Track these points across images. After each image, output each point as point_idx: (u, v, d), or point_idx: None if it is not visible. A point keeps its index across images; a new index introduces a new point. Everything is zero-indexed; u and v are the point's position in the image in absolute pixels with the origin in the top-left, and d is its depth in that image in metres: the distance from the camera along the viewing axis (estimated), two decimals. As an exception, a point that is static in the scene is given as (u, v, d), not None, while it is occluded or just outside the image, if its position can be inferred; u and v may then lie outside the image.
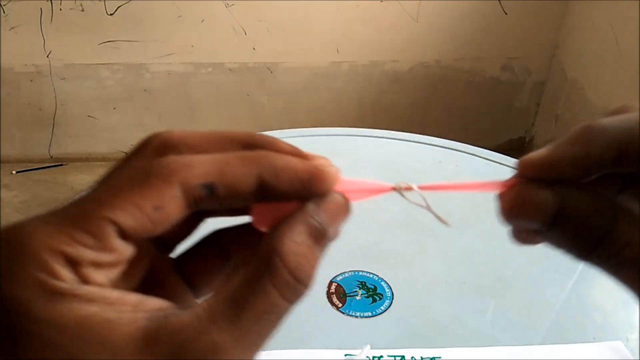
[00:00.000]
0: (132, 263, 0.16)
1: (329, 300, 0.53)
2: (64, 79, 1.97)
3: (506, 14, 1.91)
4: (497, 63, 2.03)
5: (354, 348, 0.48)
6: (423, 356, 0.48)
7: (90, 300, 0.14)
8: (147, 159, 0.17)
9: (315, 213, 0.18)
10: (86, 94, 2.01)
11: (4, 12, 1.82)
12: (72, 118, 2.05)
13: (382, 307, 0.53)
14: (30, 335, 0.13)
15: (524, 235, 0.20)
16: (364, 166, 0.77)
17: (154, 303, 0.15)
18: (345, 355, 0.48)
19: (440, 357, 0.48)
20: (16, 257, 0.13)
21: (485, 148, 0.83)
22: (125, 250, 0.15)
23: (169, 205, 0.15)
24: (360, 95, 2.07)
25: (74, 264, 0.14)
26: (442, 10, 1.89)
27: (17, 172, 2.02)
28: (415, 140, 0.85)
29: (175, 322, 0.14)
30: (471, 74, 2.04)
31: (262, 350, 0.16)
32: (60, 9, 1.83)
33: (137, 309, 0.14)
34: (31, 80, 1.96)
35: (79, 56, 1.93)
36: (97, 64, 1.95)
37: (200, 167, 0.16)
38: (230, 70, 1.99)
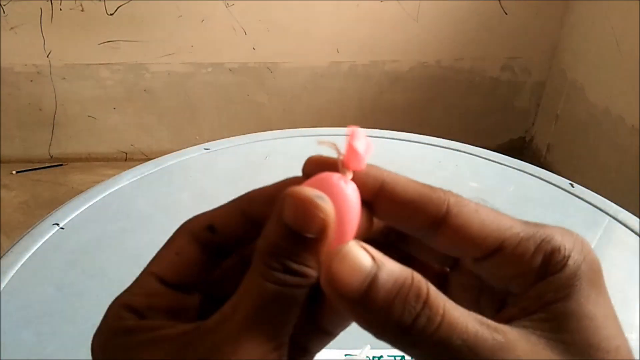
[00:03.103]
0: (183, 305, 0.21)
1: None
2: (64, 79, 1.97)
3: (506, 14, 1.91)
4: (497, 63, 2.03)
5: (354, 348, 0.48)
6: (423, 356, 0.48)
7: (150, 328, 0.19)
8: None
9: (283, 214, 0.18)
10: (86, 94, 2.01)
11: (4, 12, 1.82)
12: (72, 118, 2.06)
13: (382, 307, 0.53)
14: (115, 350, 0.19)
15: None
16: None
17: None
18: (345, 355, 0.48)
19: (440, 357, 0.48)
20: (104, 318, 0.20)
21: (485, 148, 0.83)
22: (179, 296, 0.21)
23: (185, 249, 0.21)
24: (360, 95, 2.07)
25: (133, 310, 0.20)
26: (442, 10, 1.89)
27: (17, 172, 2.02)
28: (415, 140, 0.85)
29: (202, 326, 0.19)
30: (471, 74, 2.04)
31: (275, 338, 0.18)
32: (60, 9, 1.83)
33: (186, 326, 0.19)
34: (31, 80, 1.96)
35: (79, 56, 1.93)
36: (97, 64, 1.95)
37: (203, 216, 0.21)
38: (230, 70, 1.99)
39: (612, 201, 0.70)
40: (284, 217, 0.18)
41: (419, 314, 0.17)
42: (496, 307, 0.21)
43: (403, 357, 0.48)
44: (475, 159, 0.81)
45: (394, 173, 0.21)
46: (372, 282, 0.17)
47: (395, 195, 0.20)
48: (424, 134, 0.86)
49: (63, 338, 0.50)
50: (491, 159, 0.81)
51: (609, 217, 0.68)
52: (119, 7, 1.84)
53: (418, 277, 0.17)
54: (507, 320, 0.18)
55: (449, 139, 0.86)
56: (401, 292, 0.17)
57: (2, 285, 0.55)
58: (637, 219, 0.67)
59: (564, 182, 0.75)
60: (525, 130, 2.18)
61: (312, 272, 0.18)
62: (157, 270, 0.20)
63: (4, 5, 1.80)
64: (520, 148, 2.19)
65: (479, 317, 0.17)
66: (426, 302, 0.17)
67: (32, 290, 0.55)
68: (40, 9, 1.82)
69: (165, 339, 0.18)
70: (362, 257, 0.17)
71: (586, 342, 0.17)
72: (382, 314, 0.17)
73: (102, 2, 1.82)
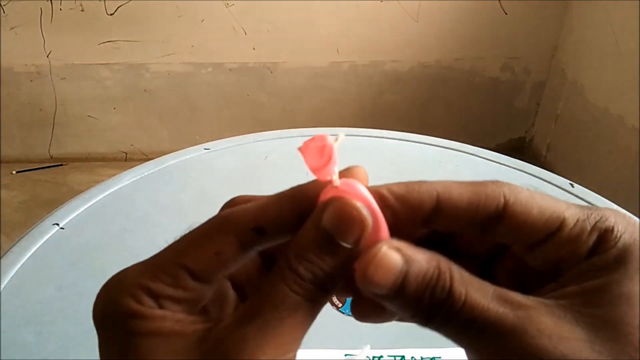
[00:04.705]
0: (202, 297, 0.21)
1: (329, 300, 0.53)
2: (64, 79, 1.97)
3: (506, 14, 1.91)
4: (497, 63, 2.03)
5: (354, 348, 0.48)
6: (423, 356, 0.48)
7: (162, 318, 0.18)
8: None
9: (323, 219, 0.19)
10: (86, 94, 2.01)
11: (4, 12, 1.82)
12: (72, 118, 2.06)
13: (382, 307, 0.53)
14: (120, 340, 0.18)
15: (365, 308, 0.21)
16: (363, 166, 0.77)
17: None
18: (345, 355, 0.48)
19: (440, 357, 0.48)
20: (118, 290, 0.19)
21: (485, 148, 0.83)
22: (201, 289, 0.20)
23: (227, 250, 0.19)
24: (360, 95, 2.07)
25: (155, 296, 0.19)
26: (442, 10, 1.89)
27: (17, 172, 2.02)
28: (415, 140, 0.85)
29: (219, 326, 0.19)
30: (471, 74, 2.04)
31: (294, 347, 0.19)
32: (60, 9, 1.83)
33: (198, 324, 0.19)
34: (31, 80, 1.97)
35: (79, 56, 1.93)
36: (97, 64, 1.95)
37: (248, 214, 0.20)
38: (230, 70, 1.99)
39: (612, 201, 0.70)
40: (324, 221, 0.19)
41: (443, 301, 0.18)
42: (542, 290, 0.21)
43: (403, 357, 0.48)
44: (475, 159, 0.81)
45: (443, 182, 0.21)
46: (403, 280, 0.18)
47: (453, 204, 0.20)
48: (424, 134, 0.86)
49: (63, 338, 0.50)
50: (491, 159, 0.81)
51: (609, 217, 0.68)
52: (119, 7, 1.84)
53: (444, 268, 0.19)
54: (542, 295, 0.19)
55: (449, 139, 0.86)
56: (429, 285, 0.18)
57: (2, 285, 0.55)
58: (637, 219, 0.66)
59: (564, 182, 0.75)
60: (525, 130, 2.18)
61: (334, 287, 0.19)
62: (191, 265, 0.19)
63: (4, 5, 1.81)
64: (520, 148, 2.19)
65: (505, 295, 0.18)
66: (450, 291, 0.18)
67: (32, 290, 0.55)
68: (40, 9, 1.82)
69: (177, 335, 0.18)
70: (394, 258, 0.19)
71: (618, 318, 0.17)
72: (412, 305, 0.19)
73: (102, 2, 1.82)
